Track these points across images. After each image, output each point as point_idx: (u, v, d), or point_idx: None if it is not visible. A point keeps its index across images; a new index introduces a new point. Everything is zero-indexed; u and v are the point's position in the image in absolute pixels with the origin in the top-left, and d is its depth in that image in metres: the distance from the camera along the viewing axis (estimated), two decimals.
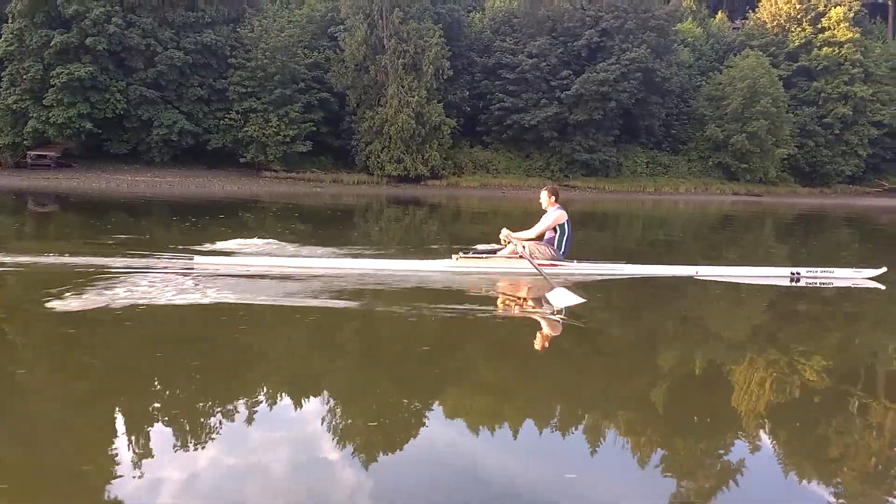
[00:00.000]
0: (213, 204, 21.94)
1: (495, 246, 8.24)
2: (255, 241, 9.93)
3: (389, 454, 3.22)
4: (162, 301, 5.78)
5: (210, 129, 34.76)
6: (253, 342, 5.03)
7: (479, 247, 8.53)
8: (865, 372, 5.05)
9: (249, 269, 7.68)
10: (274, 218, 17.74)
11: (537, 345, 5.26)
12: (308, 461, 3.12)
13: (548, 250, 7.81)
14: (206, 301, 5.88)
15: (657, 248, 13.10)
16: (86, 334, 4.90)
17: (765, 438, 3.64)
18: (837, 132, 44.88)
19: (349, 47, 35.27)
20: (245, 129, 34.13)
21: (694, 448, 3.52)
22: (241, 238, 10.04)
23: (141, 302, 5.67)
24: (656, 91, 39.60)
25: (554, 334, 5.60)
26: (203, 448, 3.15)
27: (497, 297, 7.15)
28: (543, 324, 5.84)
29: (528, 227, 8.08)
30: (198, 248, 8.71)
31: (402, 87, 35.30)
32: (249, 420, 3.49)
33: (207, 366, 4.40)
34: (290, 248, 9.48)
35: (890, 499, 3.03)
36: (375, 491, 2.82)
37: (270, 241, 10.00)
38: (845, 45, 44.63)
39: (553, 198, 8.00)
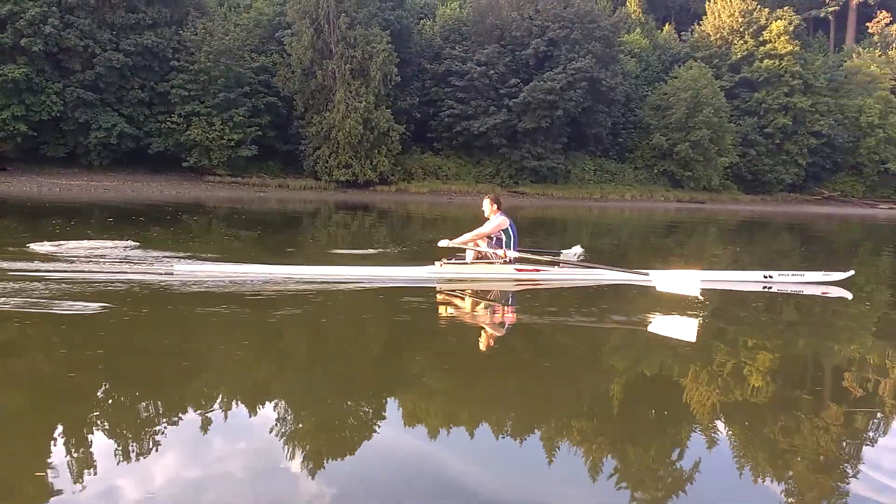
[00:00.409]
0: (147, 208, 21.50)
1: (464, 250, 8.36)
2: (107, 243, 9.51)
3: (340, 458, 3.19)
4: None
5: (151, 133, 34.10)
6: (196, 349, 4.96)
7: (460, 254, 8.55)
8: (813, 372, 5.15)
9: (223, 276, 7.50)
10: (200, 224, 17.45)
11: (489, 347, 5.32)
12: (258, 467, 3.07)
13: (503, 251, 8.12)
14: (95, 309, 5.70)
15: (608, 255, 12.77)
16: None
17: (717, 438, 3.65)
18: (778, 142, 46.33)
19: (295, 52, 35.05)
20: (188, 132, 33.57)
21: (648, 450, 3.51)
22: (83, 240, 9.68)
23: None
24: (602, 100, 40.28)
25: (508, 337, 5.70)
26: (159, 457, 3.09)
27: (466, 300, 7.26)
28: (493, 328, 5.96)
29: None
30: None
31: (350, 92, 35.20)
32: (203, 428, 3.42)
33: (156, 374, 4.32)
34: (154, 253, 8.81)
35: (838, 497, 3.09)
36: (322, 494, 2.79)
37: (129, 243, 9.60)
38: (785, 58, 46.14)
39: (495, 206, 8.24)
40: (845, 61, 51.35)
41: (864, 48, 58.24)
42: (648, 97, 45.35)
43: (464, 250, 8.20)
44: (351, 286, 7.40)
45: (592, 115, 40.59)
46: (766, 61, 46.27)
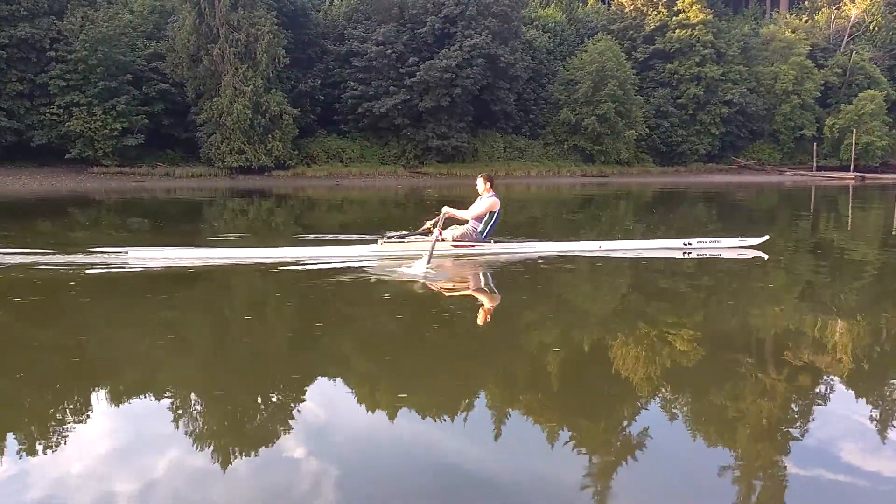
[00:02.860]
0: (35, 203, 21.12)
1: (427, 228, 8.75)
2: None
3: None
4: None
5: (34, 126, 33.50)
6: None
7: (403, 233, 8.86)
8: (747, 335, 5.31)
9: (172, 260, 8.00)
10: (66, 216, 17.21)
11: (419, 321, 5.53)
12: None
13: (472, 233, 8.48)
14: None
15: (523, 230, 12.57)
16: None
17: (661, 407, 3.72)
18: (691, 112, 46.27)
19: (179, 37, 34.51)
20: (69, 124, 33.08)
21: (596, 423, 3.55)
22: None
23: None
24: (502, 76, 40.00)
25: (435, 311, 5.89)
26: (165, 448, 3.16)
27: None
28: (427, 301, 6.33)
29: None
30: None
31: (237, 76, 34.74)
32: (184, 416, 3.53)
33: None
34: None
35: (782, 456, 3.17)
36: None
37: None
38: (697, 27, 45.92)
39: (488, 184, 8.62)
40: (762, 28, 51.11)
41: (794, 14, 58.16)
42: (560, 72, 45.10)
43: (408, 231, 8.69)
44: (294, 266, 7.69)
45: (494, 92, 40.31)
46: (677, 31, 46.05)
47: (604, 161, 43.74)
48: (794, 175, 44.06)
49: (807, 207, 22.06)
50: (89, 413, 3.58)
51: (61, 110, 33.17)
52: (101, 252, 8.30)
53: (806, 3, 61.45)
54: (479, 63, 38.11)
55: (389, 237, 8.44)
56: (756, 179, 42.81)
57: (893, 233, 13.83)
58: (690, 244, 8.99)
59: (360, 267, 7.66)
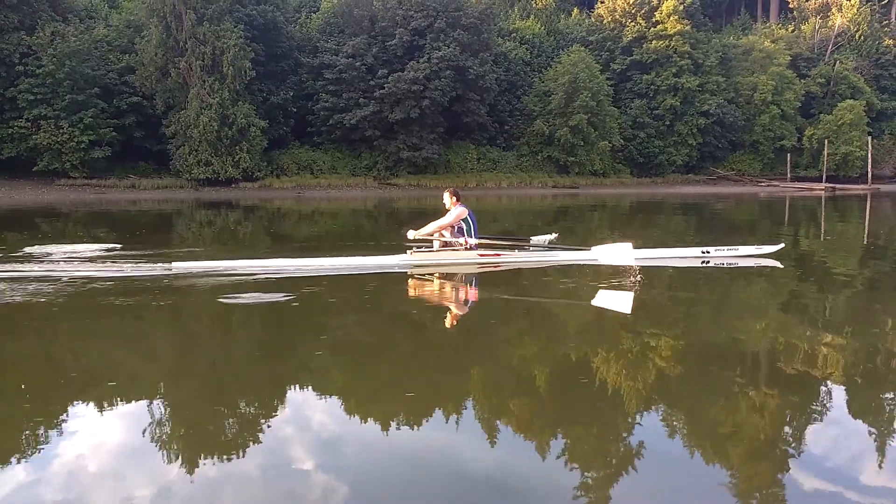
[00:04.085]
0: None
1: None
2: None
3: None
4: None
5: (3, 139, 34.11)
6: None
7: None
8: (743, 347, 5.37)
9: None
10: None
11: (450, 325, 5.97)
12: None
13: (464, 239, 9.00)
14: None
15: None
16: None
17: (662, 416, 3.78)
18: (668, 123, 46.06)
19: (146, 50, 35.01)
20: (36, 137, 33.61)
21: (589, 432, 3.62)
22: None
23: None
24: (472, 88, 40.08)
25: (469, 316, 6.46)
26: (177, 455, 3.28)
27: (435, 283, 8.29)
28: (458, 307, 6.91)
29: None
30: None
31: (204, 88, 35.14)
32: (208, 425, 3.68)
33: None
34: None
35: (779, 473, 3.18)
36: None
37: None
38: (674, 38, 45.77)
39: (454, 198, 9.17)
40: (741, 39, 50.81)
41: (782, 24, 57.82)
42: (535, 84, 45.12)
43: (431, 240, 9.13)
44: (326, 276, 8.12)
45: (465, 103, 40.39)
46: (654, 42, 45.92)
47: (578, 172, 43.61)
48: (768, 186, 43.63)
49: (781, 220, 21.39)
50: (87, 419, 3.75)
51: (29, 123, 33.72)
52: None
53: (794, 12, 61.23)
54: (448, 75, 38.25)
55: (418, 247, 8.97)
56: (730, 190, 42.40)
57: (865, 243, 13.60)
58: (709, 252, 9.37)
59: (400, 273, 8.46)
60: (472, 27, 39.42)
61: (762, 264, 8.91)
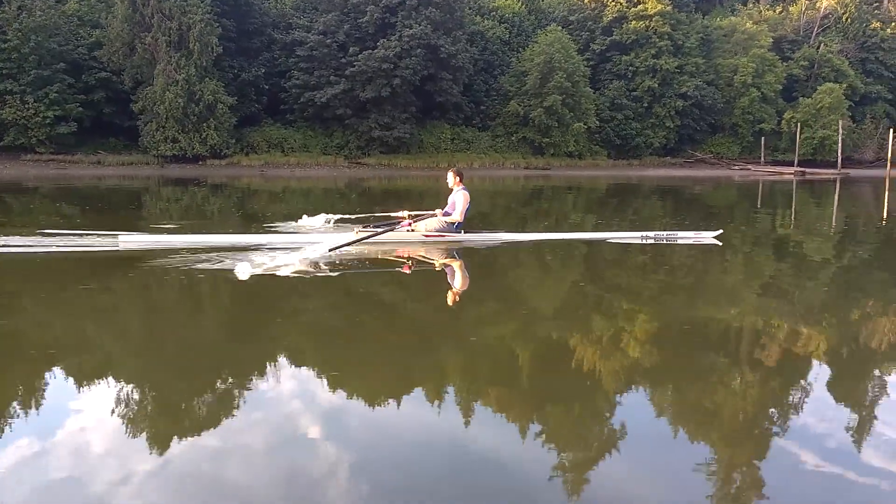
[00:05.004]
0: None
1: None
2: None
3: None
4: None
5: None
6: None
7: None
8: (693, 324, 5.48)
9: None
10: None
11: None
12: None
13: (447, 227, 8.89)
14: None
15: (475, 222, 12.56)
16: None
17: (636, 397, 3.80)
18: (646, 105, 45.65)
19: (112, 26, 34.82)
20: (2, 112, 33.58)
21: (570, 412, 3.60)
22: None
23: None
24: (444, 67, 39.75)
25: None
26: (181, 432, 3.27)
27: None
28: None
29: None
30: None
31: (171, 64, 34.97)
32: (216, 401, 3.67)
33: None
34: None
35: (758, 449, 3.21)
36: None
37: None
38: (654, 18, 45.21)
39: (458, 178, 9.10)
40: (723, 20, 50.12)
41: (770, 6, 56.97)
42: (513, 63, 44.71)
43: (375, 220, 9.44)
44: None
45: (437, 82, 40.08)
46: (633, 22, 45.39)
47: (553, 153, 43.36)
48: (741, 169, 43.31)
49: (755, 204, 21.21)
50: (84, 395, 3.77)
51: None
52: None
53: None
54: (419, 53, 37.93)
55: (364, 226, 8.84)
56: (704, 174, 42.05)
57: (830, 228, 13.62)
58: (649, 237, 9.74)
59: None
60: (444, 5, 39.00)
61: (701, 239, 9.73)
